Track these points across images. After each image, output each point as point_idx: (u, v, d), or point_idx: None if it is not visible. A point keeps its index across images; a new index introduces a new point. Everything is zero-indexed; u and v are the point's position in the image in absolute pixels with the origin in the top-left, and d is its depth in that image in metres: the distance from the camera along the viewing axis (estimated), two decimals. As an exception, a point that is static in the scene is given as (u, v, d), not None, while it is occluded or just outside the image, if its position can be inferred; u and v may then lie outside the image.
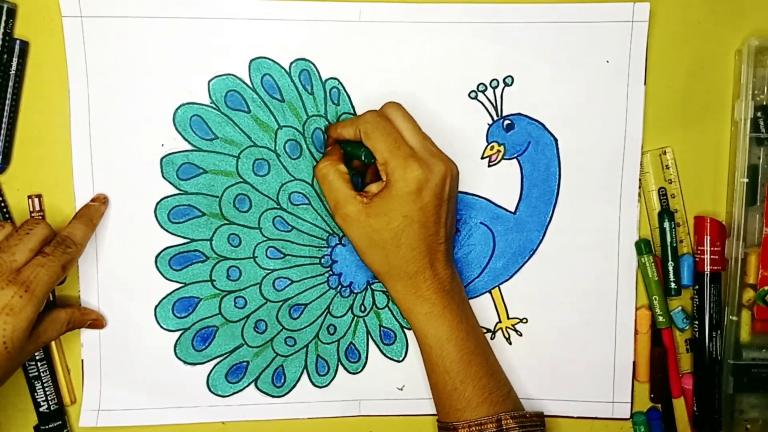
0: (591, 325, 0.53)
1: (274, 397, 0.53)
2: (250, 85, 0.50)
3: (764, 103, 0.49)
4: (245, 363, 0.52)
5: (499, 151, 0.52)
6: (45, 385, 0.50)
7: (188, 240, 0.51)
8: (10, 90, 0.49)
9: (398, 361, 0.53)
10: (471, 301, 0.52)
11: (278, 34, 0.50)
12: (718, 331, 0.51)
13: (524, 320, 0.53)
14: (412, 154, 0.45)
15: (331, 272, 0.52)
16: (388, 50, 0.51)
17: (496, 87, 0.51)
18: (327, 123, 0.51)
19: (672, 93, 0.52)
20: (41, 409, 0.50)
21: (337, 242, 0.52)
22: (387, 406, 0.53)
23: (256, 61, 0.50)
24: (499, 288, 0.53)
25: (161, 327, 0.51)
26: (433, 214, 0.45)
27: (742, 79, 0.50)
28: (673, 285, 0.52)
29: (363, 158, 0.47)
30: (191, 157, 0.51)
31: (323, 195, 0.49)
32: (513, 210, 0.52)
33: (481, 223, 0.52)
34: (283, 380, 0.53)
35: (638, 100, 0.51)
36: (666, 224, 0.51)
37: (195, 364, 0.52)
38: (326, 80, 0.51)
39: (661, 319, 0.52)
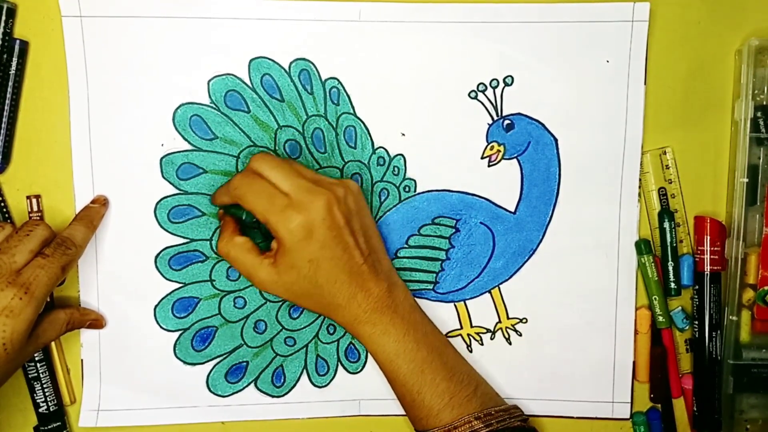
0: (591, 325, 0.53)
1: (273, 397, 0.53)
2: (250, 85, 0.50)
3: (764, 103, 0.49)
4: (245, 363, 0.52)
5: (499, 151, 0.52)
6: (44, 386, 0.50)
7: (188, 240, 0.51)
8: (9, 90, 0.49)
9: (398, 361, 0.53)
10: (471, 301, 0.53)
11: (278, 34, 0.50)
12: (718, 331, 0.51)
13: (524, 320, 0.53)
14: (288, 204, 0.44)
15: (330, 272, 0.52)
16: (388, 50, 0.50)
17: (496, 87, 0.51)
18: (326, 123, 0.51)
19: (672, 93, 0.52)
20: (41, 410, 0.50)
21: (337, 242, 0.52)
22: (387, 406, 0.53)
23: (256, 61, 0.50)
24: (499, 288, 0.53)
25: (161, 327, 0.51)
26: (336, 244, 0.44)
27: (742, 79, 0.50)
28: (673, 285, 0.52)
29: (244, 218, 0.47)
30: (191, 157, 0.51)
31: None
32: (513, 210, 0.52)
33: (481, 223, 0.52)
34: (282, 380, 0.53)
35: (638, 100, 0.51)
36: (666, 224, 0.51)
37: (194, 364, 0.52)
38: (326, 80, 0.51)
39: (661, 319, 0.52)
